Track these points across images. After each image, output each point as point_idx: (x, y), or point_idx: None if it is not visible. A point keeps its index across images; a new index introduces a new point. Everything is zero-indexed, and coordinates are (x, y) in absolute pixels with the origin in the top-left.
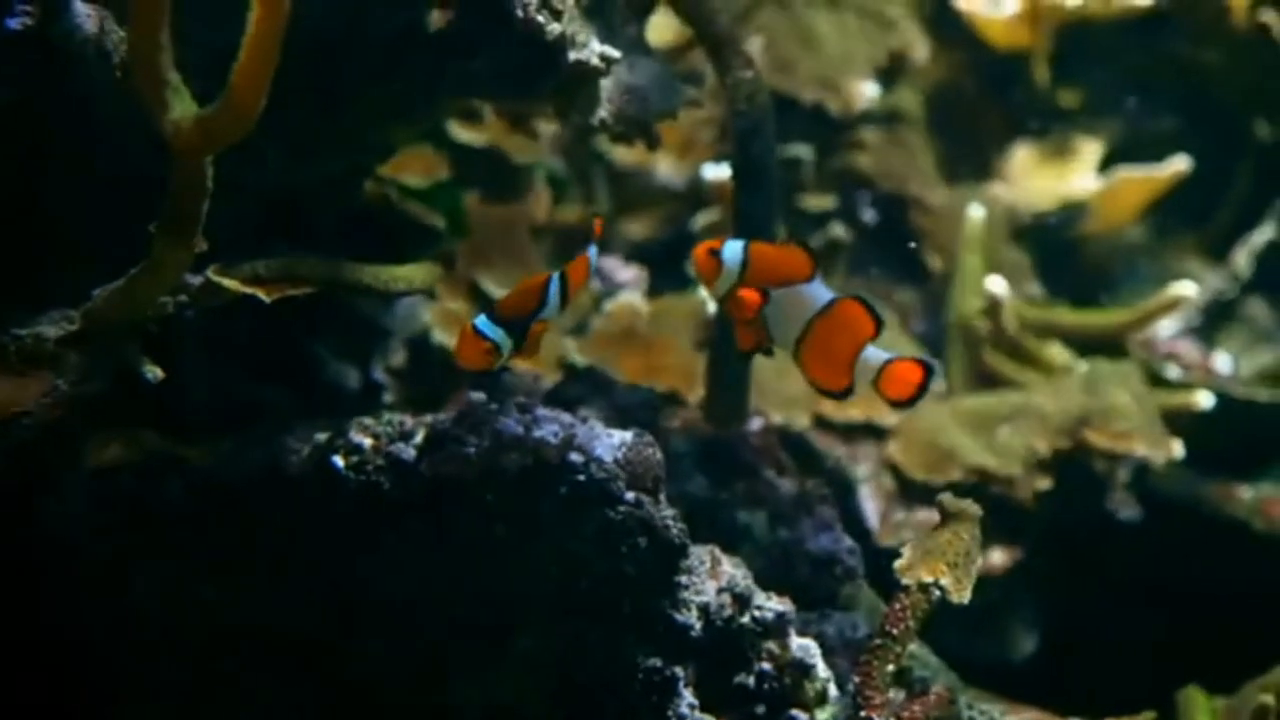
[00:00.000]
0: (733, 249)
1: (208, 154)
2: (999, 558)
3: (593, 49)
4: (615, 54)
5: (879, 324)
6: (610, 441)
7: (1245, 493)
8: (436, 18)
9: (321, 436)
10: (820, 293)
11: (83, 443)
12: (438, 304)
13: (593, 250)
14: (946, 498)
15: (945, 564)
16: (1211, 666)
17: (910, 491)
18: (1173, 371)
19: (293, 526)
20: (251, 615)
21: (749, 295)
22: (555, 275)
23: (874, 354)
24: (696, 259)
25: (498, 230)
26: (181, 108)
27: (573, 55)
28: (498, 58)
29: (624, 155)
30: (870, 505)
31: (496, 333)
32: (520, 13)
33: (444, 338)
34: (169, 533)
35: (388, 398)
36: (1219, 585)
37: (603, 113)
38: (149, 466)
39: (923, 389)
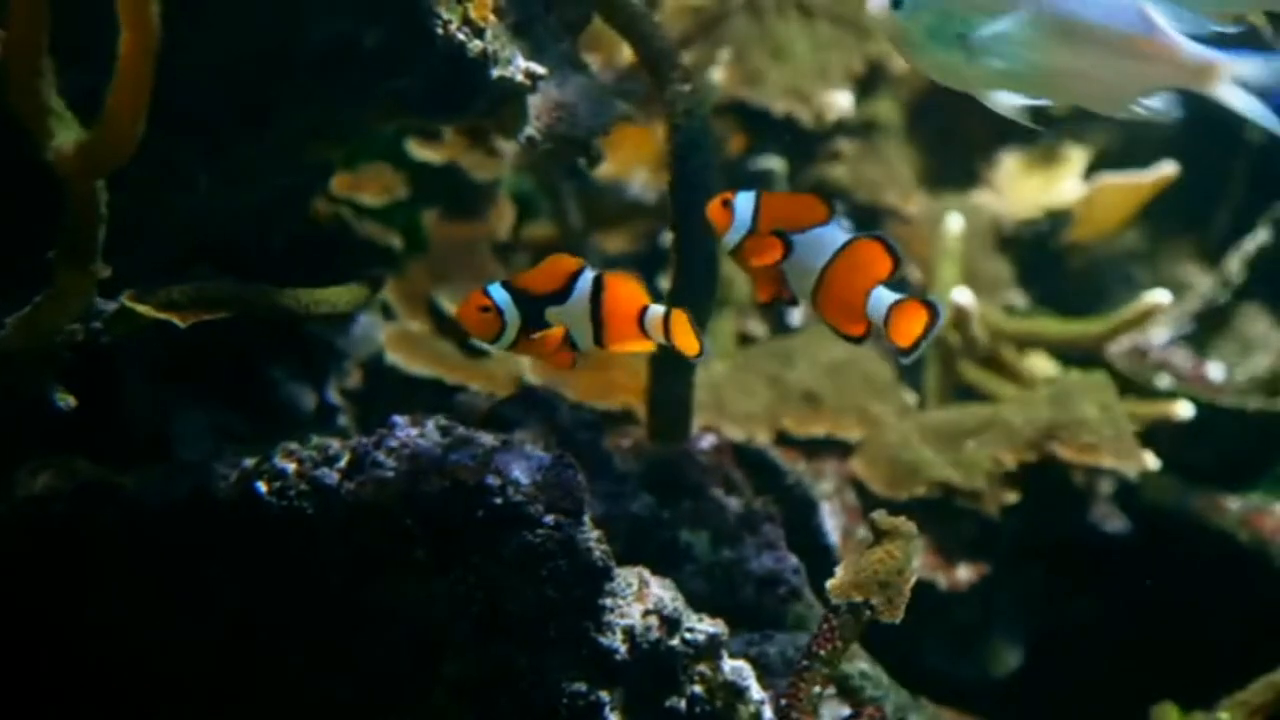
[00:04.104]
0: (745, 198)
1: (93, 179)
2: (964, 573)
3: (518, 65)
4: (541, 70)
5: (897, 262)
6: (528, 464)
7: (1233, 504)
8: (365, 36)
9: (249, 462)
10: (837, 235)
11: (12, 471)
12: (395, 325)
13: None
14: (879, 515)
15: (877, 584)
16: (1196, 680)
17: (874, 507)
18: (1164, 381)
19: (217, 554)
20: (177, 644)
21: (772, 241)
22: (590, 273)
23: (883, 294)
24: (710, 210)
25: (459, 249)
26: (65, 134)
27: (496, 72)
28: (423, 76)
29: (597, 170)
30: (831, 522)
31: (505, 300)
32: (440, 30)
33: (399, 359)
34: (99, 560)
35: (342, 420)
36: (1204, 599)
37: (530, 130)
38: (80, 494)
39: (925, 333)
